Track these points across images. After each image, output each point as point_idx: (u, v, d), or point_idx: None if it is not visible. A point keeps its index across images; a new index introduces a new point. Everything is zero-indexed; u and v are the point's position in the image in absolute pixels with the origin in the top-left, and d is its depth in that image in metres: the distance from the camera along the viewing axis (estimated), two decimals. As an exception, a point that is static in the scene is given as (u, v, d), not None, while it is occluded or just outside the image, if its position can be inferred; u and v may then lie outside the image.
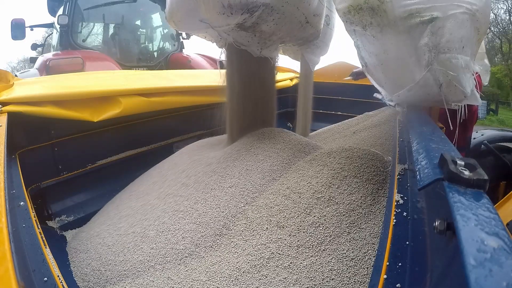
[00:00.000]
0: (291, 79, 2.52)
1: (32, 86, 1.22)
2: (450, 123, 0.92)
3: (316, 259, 0.78)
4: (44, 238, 0.71)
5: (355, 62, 1.75)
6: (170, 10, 1.24)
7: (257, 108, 1.42)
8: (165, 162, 1.43)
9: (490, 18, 1.06)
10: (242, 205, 1.01)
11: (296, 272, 0.77)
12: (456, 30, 0.86)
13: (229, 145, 1.34)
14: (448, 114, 0.92)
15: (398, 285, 0.52)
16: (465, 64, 0.88)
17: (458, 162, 0.44)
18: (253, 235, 0.89)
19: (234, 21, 1.09)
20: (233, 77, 1.39)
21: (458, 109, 0.98)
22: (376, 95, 1.57)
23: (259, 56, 1.28)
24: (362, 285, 0.72)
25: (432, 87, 0.92)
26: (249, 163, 1.16)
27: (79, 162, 1.32)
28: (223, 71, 1.45)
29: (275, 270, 0.78)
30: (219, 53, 1.40)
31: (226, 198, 1.04)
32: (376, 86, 1.26)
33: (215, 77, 1.87)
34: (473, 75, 0.94)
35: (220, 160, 1.20)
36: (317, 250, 0.80)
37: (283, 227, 0.88)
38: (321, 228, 0.85)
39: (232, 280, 0.78)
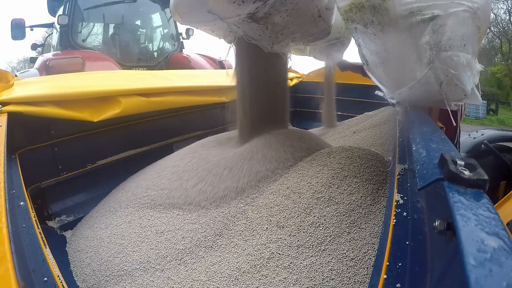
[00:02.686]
0: (291, 79, 2.52)
1: (32, 86, 1.21)
2: (452, 120, 0.91)
3: (316, 259, 0.78)
4: (44, 238, 0.71)
5: (356, 61, 1.76)
6: (175, 1, 1.17)
7: (269, 107, 1.35)
8: (166, 159, 1.42)
9: (490, 17, 1.05)
10: (242, 205, 1.00)
11: (296, 272, 0.77)
12: (457, 28, 0.86)
13: (239, 144, 1.31)
14: (450, 111, 0.92)
15: (398, 285, 0.51)
16: (467, 62, 0.88)
17: (458, 162, 0.44)
18: (253, 235, 0.89)
19: (245, 10, 1.04)
20: (243, 74, 1.33)
21: (459, 109, 0.98)
22: (377, 93, 1.56)
23: (270, 52, 1.22)
24: (362, 285, 0.72)
25: (433, 85, 0.92)
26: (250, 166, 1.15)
27: (79, 162, 1.32)
28: (230, 70, 1.39)
29: (275, 270, 0.78)
30: (226, 50, 1.32)
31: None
32: (378, 84, 1.26)
33: (215, 77, 1.87)
34: (473, 74, 0.94)
35: (224, 160, 1.19)
36: (317, 250, 0.80)
37: (283, 227, 0.88)
38: (321, 228, 0.85)
39: (232, 280, 0.78)
